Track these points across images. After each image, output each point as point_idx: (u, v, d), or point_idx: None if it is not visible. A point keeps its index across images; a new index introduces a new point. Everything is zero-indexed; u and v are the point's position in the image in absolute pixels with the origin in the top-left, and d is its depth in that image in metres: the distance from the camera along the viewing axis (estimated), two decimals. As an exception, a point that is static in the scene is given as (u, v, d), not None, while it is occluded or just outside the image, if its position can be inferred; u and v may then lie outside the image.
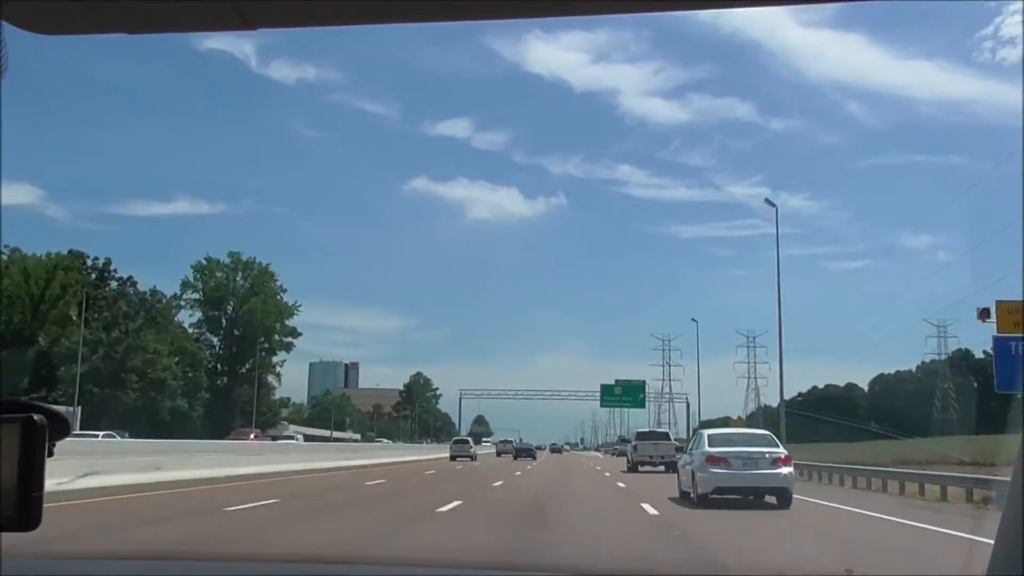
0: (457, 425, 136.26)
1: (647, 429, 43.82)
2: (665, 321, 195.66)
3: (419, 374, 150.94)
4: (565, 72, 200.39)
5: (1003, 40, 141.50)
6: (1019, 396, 25.09)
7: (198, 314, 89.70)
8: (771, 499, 17.02)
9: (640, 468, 35.80)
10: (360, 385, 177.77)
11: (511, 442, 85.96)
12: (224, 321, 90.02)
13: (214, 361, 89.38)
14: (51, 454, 1.19)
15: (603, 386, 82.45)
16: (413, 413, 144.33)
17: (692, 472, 17.57)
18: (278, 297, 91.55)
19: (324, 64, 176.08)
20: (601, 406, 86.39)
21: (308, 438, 77.97)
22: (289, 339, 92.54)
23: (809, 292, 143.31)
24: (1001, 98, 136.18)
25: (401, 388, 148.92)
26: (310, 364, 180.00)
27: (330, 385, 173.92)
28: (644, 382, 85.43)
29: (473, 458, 58.34)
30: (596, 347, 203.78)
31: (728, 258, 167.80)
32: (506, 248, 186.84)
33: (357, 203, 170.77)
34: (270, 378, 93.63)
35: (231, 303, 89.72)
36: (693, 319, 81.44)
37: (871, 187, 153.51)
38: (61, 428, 1.20)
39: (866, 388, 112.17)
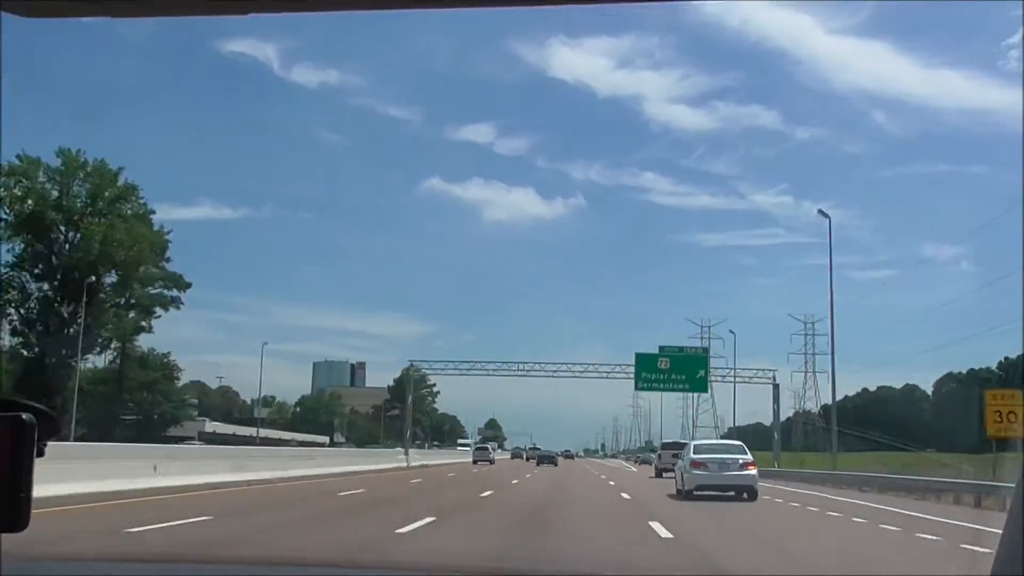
0: (471, 431, 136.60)
1: (671, 440, 47.75)
2: (688, 330, 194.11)
3: (412, 366, 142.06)
4: (589, 78, 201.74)
5: None
6: None
7: (18, 245, 59.81)
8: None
9: (664, 475, 37.62)
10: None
11: (522, 448, 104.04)
12: (53, 256, 60.01)
13: (36, 314, 60.19)
14: (41, 454, 1.16)
15: (639, 357, 52.91)
16: (404, 413, 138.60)
17: (681, 473, 22.92)
18: (141, 222, 61.78)
19: (346, 68, 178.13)
20: (637, 389, 58.83)
21: (269, 443, 67.43)
22: (172, 290, 64.18)
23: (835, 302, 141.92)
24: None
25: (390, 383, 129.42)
26: (314, 364, 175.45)
27: (336, 386, 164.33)
28: (706, 349, 60.18)
29: (492, 462, 63.81)
30: (619, 355, 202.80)
31: (751, 266, 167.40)
32: (527, 254, 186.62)
33: (377, 208, 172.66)
34: (172, 359, 71.93)
35: (61, 227, 59.97)
36: (731, 331, 72.89)
37: (895, 197, 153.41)
38: (51, 427, 1.17)
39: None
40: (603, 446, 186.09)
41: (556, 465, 65.49)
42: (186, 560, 2.95)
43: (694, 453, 22.77)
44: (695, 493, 21.54)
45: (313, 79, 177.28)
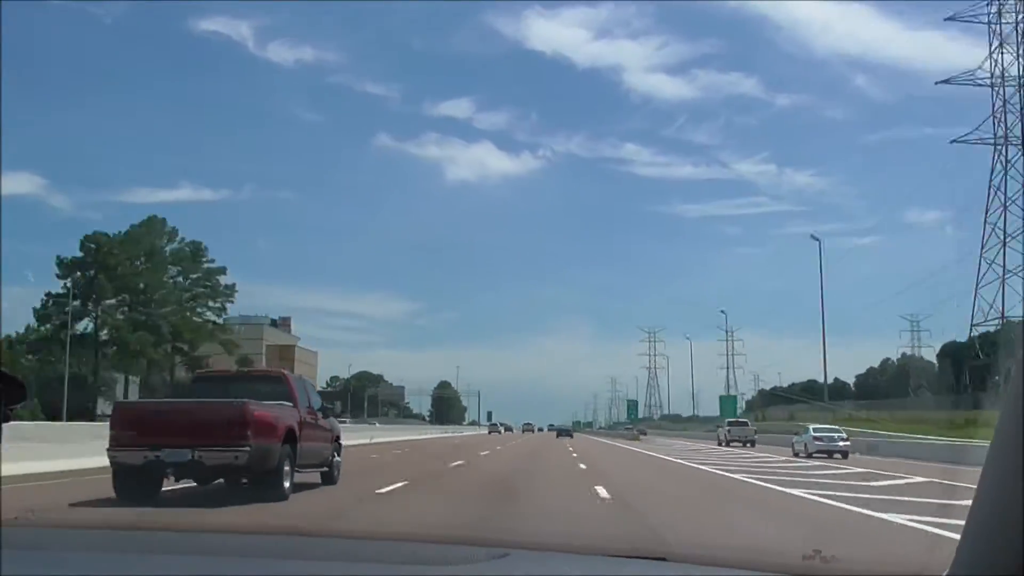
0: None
1: (734, 420, 61.71)
2: (668, 302, 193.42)
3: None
4: (567, 49, 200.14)
5: (1006, 8, 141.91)
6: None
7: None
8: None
9: (731, 444, 50.07)
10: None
11: (498, 424, 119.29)
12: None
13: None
14: (7, 419, 1.15)
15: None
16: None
17: (805, 443, 36.37)
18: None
19: (323, 46, 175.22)
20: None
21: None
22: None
23: (815, 270, 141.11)
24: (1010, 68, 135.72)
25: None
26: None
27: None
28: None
29: (500, 432, 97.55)
30: (602, 327, 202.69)
31: (735, 236, 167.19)
32: (509, 228, 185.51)
33: (358, 186, 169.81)
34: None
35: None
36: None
37: (878, 162, 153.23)
38: (17, 392, 1.17)
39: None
40: (591, 422, 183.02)
41: (572, 436, 75.73)
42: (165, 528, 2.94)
43: (815, 432, 36.87)
44: (813, 454, 34.76)
45: (289, 57, 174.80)
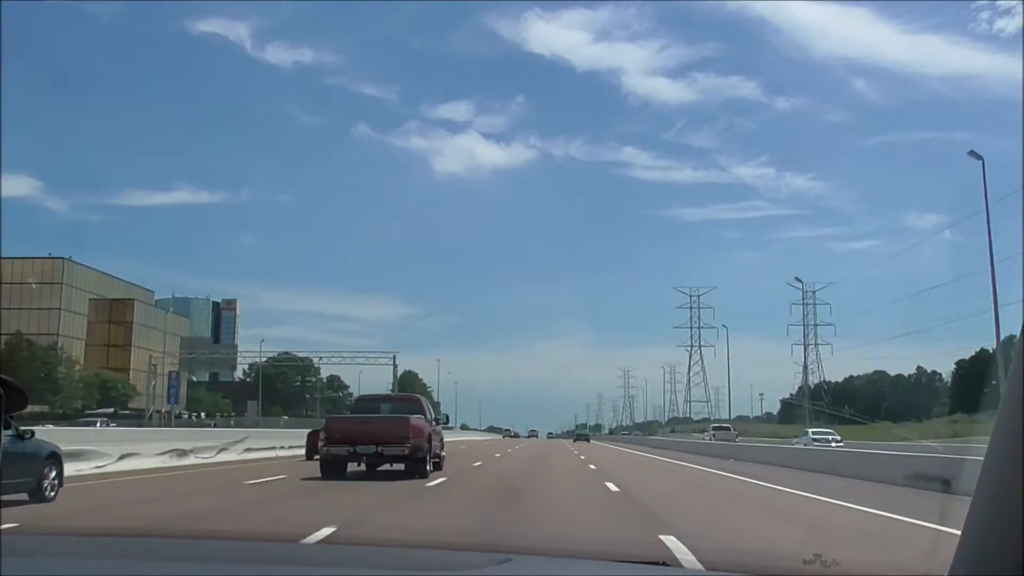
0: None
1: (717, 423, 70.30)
2: (671, 303, 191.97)
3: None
4: (567, 52, 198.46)
5: (999, 11, 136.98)
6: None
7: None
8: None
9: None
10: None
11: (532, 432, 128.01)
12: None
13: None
14: (8, 426, 1.15)
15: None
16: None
17: (805, 444, 39.87)
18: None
19: (321, 47, 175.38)
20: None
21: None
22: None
23: (816, 273, 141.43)
24: (1004, 71, 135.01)
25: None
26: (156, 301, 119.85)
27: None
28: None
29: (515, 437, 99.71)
30: (602, 332, 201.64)
31: (735, 240, 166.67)
32: (507, 231, 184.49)
33: (356, 189, 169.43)
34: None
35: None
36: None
37: (877, 166, 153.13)
38: (19, 400, 1.17)
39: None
40: (599, 425, 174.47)
41: (588, 441, 78.86)
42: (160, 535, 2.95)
43: (813, 434, 45.81)
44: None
45: (287, 59, 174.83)
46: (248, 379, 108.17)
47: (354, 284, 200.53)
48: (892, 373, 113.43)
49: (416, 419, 18.37)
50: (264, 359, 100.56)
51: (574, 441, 77.88)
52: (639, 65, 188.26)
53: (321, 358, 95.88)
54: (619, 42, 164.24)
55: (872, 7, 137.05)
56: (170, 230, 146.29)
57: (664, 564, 2.07)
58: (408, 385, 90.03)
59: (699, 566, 5.19)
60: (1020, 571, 1.18)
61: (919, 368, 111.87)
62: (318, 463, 18.58)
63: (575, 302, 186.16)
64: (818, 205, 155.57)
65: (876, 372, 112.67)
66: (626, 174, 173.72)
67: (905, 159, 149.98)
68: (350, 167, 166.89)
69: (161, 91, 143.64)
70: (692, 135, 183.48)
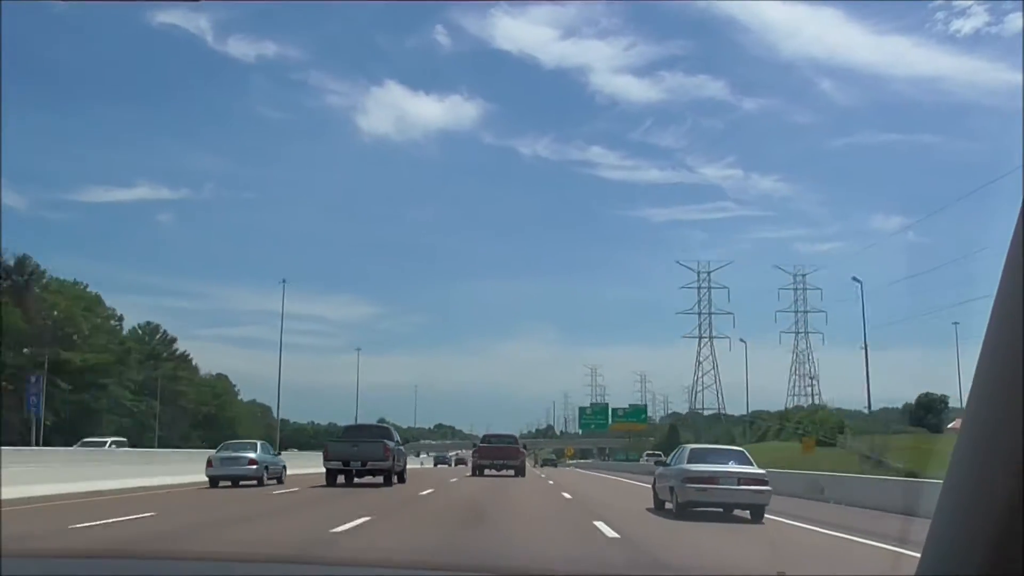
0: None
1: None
2: (642, 304, 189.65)
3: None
4: (534, 48, 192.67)
5: (955, 11, 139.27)
6: None
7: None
8: None
9: None
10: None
11: (445, 457, 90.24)
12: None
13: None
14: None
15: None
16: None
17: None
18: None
19: (284, 41, 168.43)
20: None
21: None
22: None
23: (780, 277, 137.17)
24: (964, 73, 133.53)
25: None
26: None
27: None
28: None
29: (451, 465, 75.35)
30: (568, 334, 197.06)
31: (702, 241, 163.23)
32: (475, 230, 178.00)
33: (321, 189, 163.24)
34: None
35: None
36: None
37: (843, 167, 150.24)
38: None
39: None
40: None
41: (555, 467, 79.54)
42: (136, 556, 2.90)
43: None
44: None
45: (250, 52, 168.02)
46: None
47: (319, 283, 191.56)
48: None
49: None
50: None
51: (540, 467, 72.57)
52: (607, 63, 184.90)
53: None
54: (587, 39, 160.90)
55: (842, 7, 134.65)
56: (131, 226, 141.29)
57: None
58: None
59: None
60: (986, 569, 1.18)
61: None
62: None
63: (541, 302, 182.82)
64: (784, 207, 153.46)
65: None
66: (593, 173, 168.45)
67: (871, 161, 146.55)
68: (313, 164, 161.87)
69: (118, 84, 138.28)
70: (659, 135, 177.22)
